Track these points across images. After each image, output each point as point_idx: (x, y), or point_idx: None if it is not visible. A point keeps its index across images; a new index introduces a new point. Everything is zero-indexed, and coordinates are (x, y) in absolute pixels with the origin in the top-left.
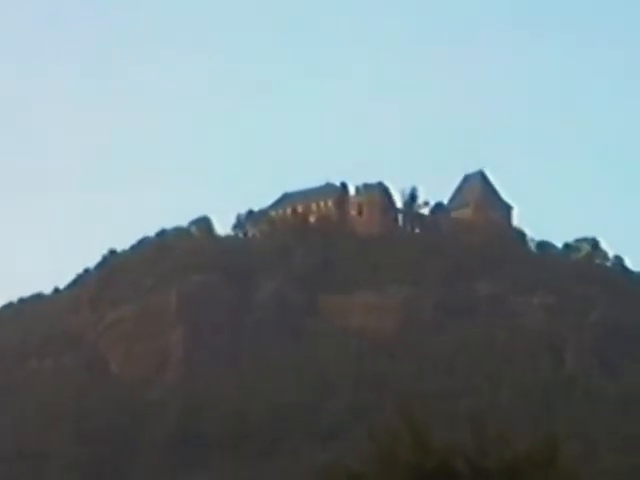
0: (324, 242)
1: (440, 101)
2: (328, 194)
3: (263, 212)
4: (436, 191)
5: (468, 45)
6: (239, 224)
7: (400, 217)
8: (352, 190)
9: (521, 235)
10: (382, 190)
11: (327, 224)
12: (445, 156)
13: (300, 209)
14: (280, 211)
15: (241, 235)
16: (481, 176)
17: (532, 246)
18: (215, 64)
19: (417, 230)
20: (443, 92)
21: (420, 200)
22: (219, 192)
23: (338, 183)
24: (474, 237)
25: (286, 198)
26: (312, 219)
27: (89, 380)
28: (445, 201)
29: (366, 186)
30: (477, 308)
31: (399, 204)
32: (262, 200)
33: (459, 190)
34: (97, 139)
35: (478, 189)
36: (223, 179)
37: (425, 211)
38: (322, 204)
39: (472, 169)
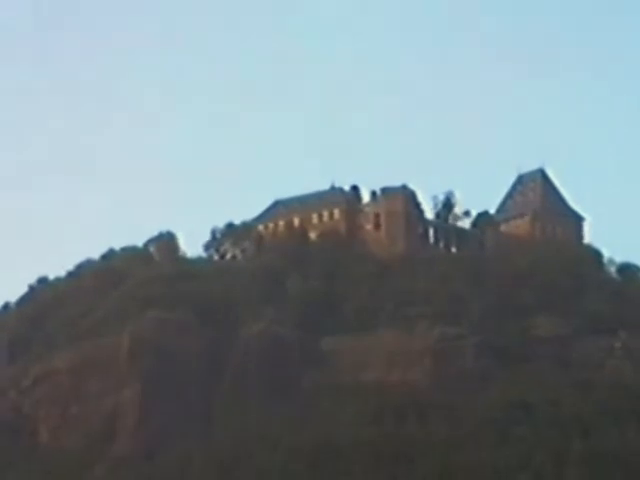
0: (329, 266)
1: (479, 85)
2: (334, 201)
3: (247, 226)
4: (479, 197)
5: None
6: (214, 242)
7: (431, 232)
8: (366, 196)
9: (597, 255)
10: (407, 196)
11: (333, 241)
12: (491, 151)
13: (297, 221)
14: (270, 224)
15: (217, 257)
16: (541, 176)
17: (612, 270)
18: (188, 61)
19: (454, 249)
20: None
21: (458, 209)
22: (187, 200)
23: (347, 187)
24: (532, 258)
25: (278, 207)
26: (313, 235)
27: (7, 454)
28: (492, 210)
29: (385, 191)
30: (536, 354)
31: (429, 214)
32: (246, 210)
33: (511, 195)
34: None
35: (537, 193)
36: (193, 183)
37: (465, 223)
38: (326, 214)
39: (528, 167)
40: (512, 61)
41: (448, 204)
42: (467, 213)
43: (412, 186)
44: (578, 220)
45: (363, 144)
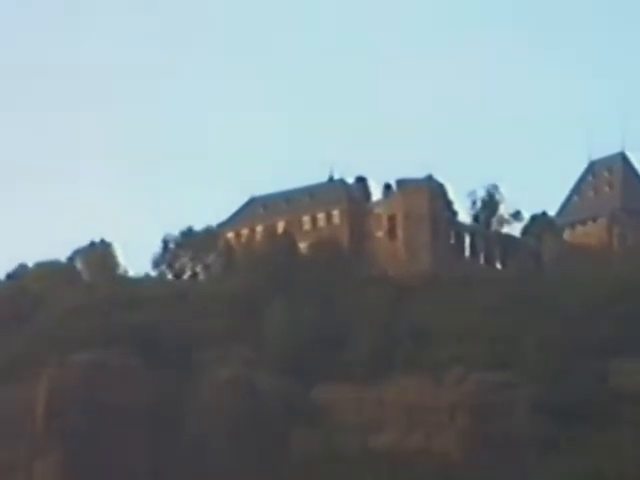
0: (325, 288)
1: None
2: (332, 199)
3: (212, 232)
4: (533, 193)
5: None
6: (166, 254)
7: (467, 241)
8: (377, 192)
9: None
10: (433, 191)
11: (331, 255)
12: (548, 129)
13: (281, 226)
14: (244, 230)
15: (170, 275)
16: (622, 163)
17: None
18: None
19: (499, 265)
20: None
21: (504, 209)
22: (129, 198)
23: (351, 179)
24: (609, 277)
25: (255, 207)
26: (303, 245)
27: None
28: (552, 211)
29: (404, 184)
30: (616, 413)
31: (465, 216)
32: (210, 211)
33: (578, 190)
34: None
35: (617, 187)
36: (136, 174)
37: (514, 229)
38: (322, 217)
39: (603, 150)
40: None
41: (491, 203)
42: (517, 215)
43: (440, 178)
44: None
45: (371, 122)
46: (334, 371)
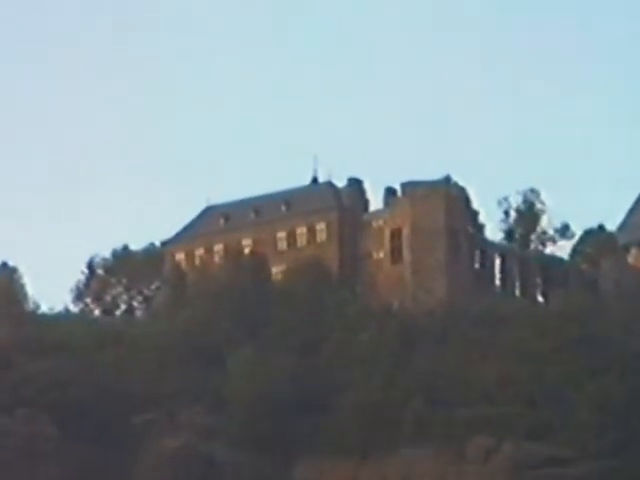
0: (308, 328)
1: None
2: (318, 207)
3: (154, 253)
4: (585, 201)
5: None
6: (91, 283)
7: (497, 264)
8: (376, 199)
9: None
10: (452, 198)
11: (314, 282)
12: (599, 120)
13: (247, 244)
14: (198, 249)
15: (97, 310)
16: None
17: None
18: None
19: (540, 297)
20: None
21: (546, 222)
22: (41, 206)
23: (341, 182)
24: None
25: (213, 218)
26: (277, 270)
27: None
28: (611, 225)
29: (411, 188)
30: None
31: (494, 231)
32: (152, 225)
33: None
34: None
35: None
36: (54, 174)
37: (560, 249)
38: (302, 232)
39: None
40: None
41: (529, 213)
42: (565, 230)
43: (461, 180)
44: None
45: (369, 109)
46: (320, 441)
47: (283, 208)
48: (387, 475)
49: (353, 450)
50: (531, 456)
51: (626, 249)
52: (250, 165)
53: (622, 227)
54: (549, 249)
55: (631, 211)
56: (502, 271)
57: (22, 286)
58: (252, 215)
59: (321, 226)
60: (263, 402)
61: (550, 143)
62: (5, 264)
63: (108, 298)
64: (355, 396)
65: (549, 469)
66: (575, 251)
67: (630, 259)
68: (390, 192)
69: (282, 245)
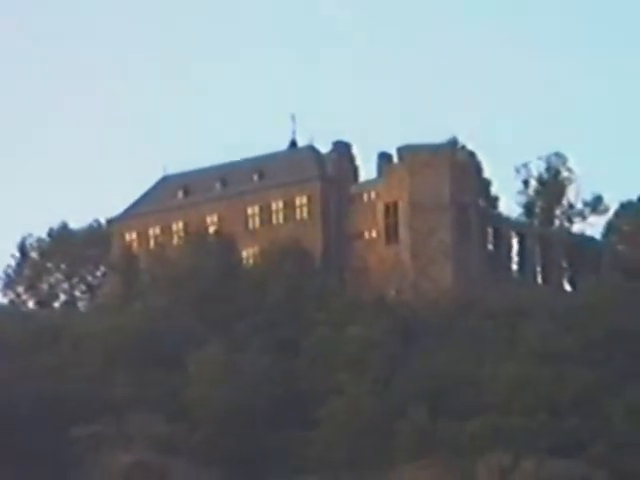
0: (284, 322)
1: None
2: (295, 177)
3: (100, 232)
4: (620, 168)
5: None
6: (23, 269)
7: (515, 244)
8: (368, 167)
9: None
10: (459, 165)
11: (293, 267)
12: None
13: (213, 222)
14: (154, 228)
15: (32, 302)
16: None
17: None
18: None
19: (567, 285)
20: None
21: (573, 193)
22: None
23: (326, 146)
24: None
25: (170, 189)
26: (248, 251)
27: None
28: None
29: (409, 153)
30: None
31: (511, 206)
32: (96, 200)
33: None
34: None
35: None
36: None
37: (591, 227)
38: (278, 206)
39: None
40: None
41: (554, 183)
42: (597, 204)
43: (470, 144)
44: None
45: (357, 61)
46: (300, 458)
47: (255, 178)
48: None
49: (340, 468)
50: (556, 476)
51: None
52: (215, 127)
53: None
54: (577, 226)
55: None
56: (520, 253)
57: None
58: (218, 187)
59: (301, 200)
60: (232, 411)
61: (579, 99)
62: None
63: (44, 287)
64: (342, 404)
65: None
66: (609, 228)
67: None
68: (384, 158)
69: (254, 223)
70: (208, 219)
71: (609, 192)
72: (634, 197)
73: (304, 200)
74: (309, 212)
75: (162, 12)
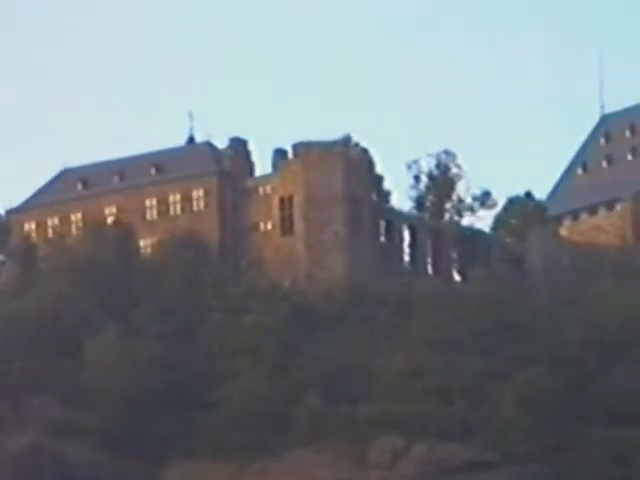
0: (181, 310)
1: None
2: (192, 171)
3: None
4: (508, 164)
5: None
6: None
7: (407, 236)
8: (263, 163)
9: None
10: (352, 161)
11: (190, 257)
12: (531, 71)
13: (111, 213)
14: (52, 218)
15: None
16: None
17: None
18: None
19: (456, 276)
20: None
21: (463, 188)
22: None
23: (222, 142)
24: (635, 296)
25: (69, 181)
26: (146, 242)
27: None
28: (540, 193)
29: (303, 149)
30: None
31: (403, 201)
32: None
33: (582, 160)
34: None
35: None
36: None
37: (480, 220)
38: (175, 199)
39: (621, 102)
40: None
41: (444, 179)
42: (485, 198)
43: (364, 141)
44: None
45: (253, 60)
46: (196, 442)
47: (153, 172)
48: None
49: (235, 452)
50: (446, 460)
51: (557, 220)
52: (114, 122)
53: (552, 195)
54: (467, 220)
55: (563, 177)
56: (412, 245)
57: None
58: (116, 179)
59: (198, 193)
60: (128, 395)
61: (468, 100)
62: None
63: None
64: (238, 389)
65: (468, 475)
66: (497, 222)
67: (562, 231)
68: (280, 154)
69: (152, 214)
70: (106, 210)
71: (497, 188)
72: (521, 192)
73: (201, 193)
74: (206, 204)
75: None
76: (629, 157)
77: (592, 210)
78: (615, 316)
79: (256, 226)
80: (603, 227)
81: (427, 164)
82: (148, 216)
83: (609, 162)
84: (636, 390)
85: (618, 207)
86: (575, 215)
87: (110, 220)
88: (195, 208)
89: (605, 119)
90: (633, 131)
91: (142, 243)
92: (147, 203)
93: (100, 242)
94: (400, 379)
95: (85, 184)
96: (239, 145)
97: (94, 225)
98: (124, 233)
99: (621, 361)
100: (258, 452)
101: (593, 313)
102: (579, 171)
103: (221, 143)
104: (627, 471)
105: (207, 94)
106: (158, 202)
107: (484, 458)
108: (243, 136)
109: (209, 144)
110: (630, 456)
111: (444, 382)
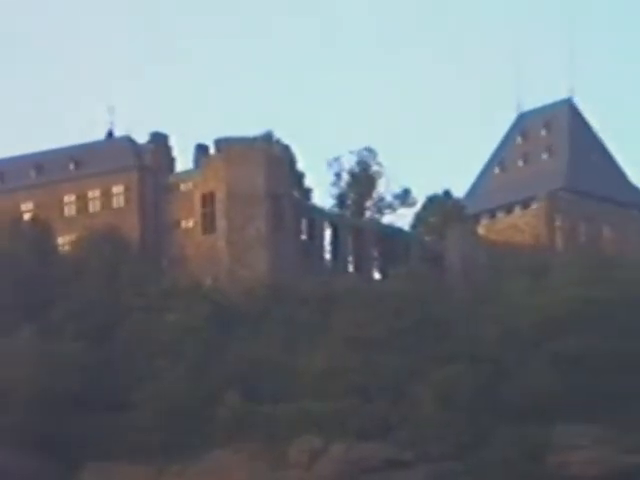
0: (100, 308)
1: None
2: (111, 166)
3: None
4: (427, 163)
5: None
6: None
7: (328, 234)
8: (184, 157)
9: None
10: (274, 158)
11: (110, 254)
12: (448, 68)
13: (27, 209)
14: None
15: None
16: (569, 115)
17: None
18: None
19: (376, 274)
20: None
21: (384, 186)
22: None
23: (143, 137)
24: (550, 294)
25: None
26: (64, 239)
27: None
28: (459, 192)
29: (225, 145)
30: None
31: (324, 198)
32: None
33: (499, 159)
34: None
35: (561, 152)
36: None
37: (400, 218)
38: (94, 195)
39: (537, 99)
40: None
41: (364, 177)
42: (405, 196)
43: (285, 138)
44: None
45: (175, 50)
46: (112, 443)
47: (71, 167)
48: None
49: (154, 453)
50: (365, 459)
51: (475, 219)
52: (31, 115)
53: (471, 194)
54: (387, 218)
55: (481, 175)
56: (333, 243)
57: None
58: (33, 174)
59: (118, 189)
60: (44, 396)
61: (389, 97)
62: None
63: None
64: (157, 389)
65: (386, 473)
66: (417, 220)
67: (480, 230)
68: (201, 150)
69: (70, 210)
70: (23, 206)
71: (417, 186)
72: (440, 191)
73: (121, 189)
74: (126, 201)
75: None
76: (544, 156)
77: (509, 209)
78: (529, 315)
79: (177, 223)
80: (519, 226)
81: (348, 161)
82: (66, 212)
83: (525, 161)
84: (548, 388)
85: (533, 206)
86: (492, 214)
87: (27, 216)
88: (115, 204)
89: (522, 117)
90: (549, 129)
91: (60, 240)
92: (65, 199)
93: (16, 239)
94: (320, 378)
95: (0, 179)
96: (160, 140)
97: (9, 221)
98: (41, 230)
99: (534, 359)
100: (177, 453)
101: (508, 312)
102: (496, 170)
103: (142, 138)
104: (540, 468)
105: (127, 88)
106: (77, 198)
107: (402, 457)
108: (164, 131)
109: (129, 139)
110: (542, 453)
111: (364, 381)
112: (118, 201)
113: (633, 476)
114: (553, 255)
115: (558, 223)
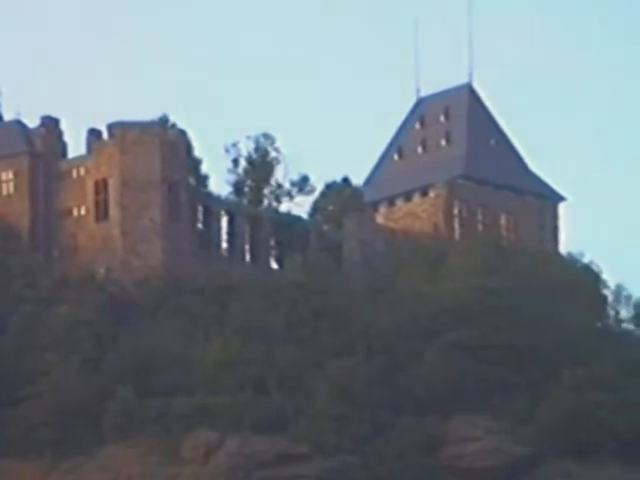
0: None
1: None
2: (2, 152)
3: None
4: (325, 148)
5: None
6: None
7: (224, 223)
8: (76, 142)
9: (594, 277)
10: (171, 143)
11: (0, 245)
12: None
13: None
14: None
15: None
16: (469, 99)
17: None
18: None
19: (274, 263)
20: None
21: (281, 174)
22: None
23: (33, 121)
24: (446, 284)
25: None
26: None
27: None
28: (357, 179)
29: (119, 129)
30: None
31: (221, 185)
32: None
33: (397, 145)
34: None
35: (459, 138)
36: None
37: (298, 206)
38: None
39: (438, 83)
40: None
41: (262, 163)
42: (303, 184)
43: (179, 121)
44: (549, 199)
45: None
46: (5, 438)
47: None
48: (85, 476)
49: (44, 450)
50: (260, 453)
51: (374, 207)
52: None
53: (369, 181)
54: (285, 206)
55: (379, 162)
56: (230, 232)
57: None
58: None
59: (7, 175)
60: None
61: (287, 83)
62: None
63: None
64: (47, 384)
65: (281, 468)
66: (315, 208)
67: (379, 218)
68: (94, 135)
69: None
70: None
71: (315, 173)
72: (338, 178)
73: (10, 175)
74: (16, 188)
75: None
76: (443, 142)
77: (407, 197)
78: (425, 305)
79: (69, 211)
80: (417, 213)
81: (246, 147)
82: None
83: (424, 147)
84: (443, 379)
85: (431, 194)
86: (391, 202)
87: None
88: (4, 192)
89: (420, 103)
90: (447, 116)
91: None
92: None
93: None
94: (215, 370)
95: None
96: (51, 124)
97: None
98: None
99: (430, 350)
100: (68, 450)
101: (405, 302)
102: (395, 156)
103: (32, 122)
104: (435, 460)
105: (15, 70)
106: None
107: (297, 450)
108: (55, 115)
109: (19, 122)
110: (437, 445)
111: (259, 372)
112: (7, 188)
113: (526, 467)
114: (451, 243)
115: (456, 211)
